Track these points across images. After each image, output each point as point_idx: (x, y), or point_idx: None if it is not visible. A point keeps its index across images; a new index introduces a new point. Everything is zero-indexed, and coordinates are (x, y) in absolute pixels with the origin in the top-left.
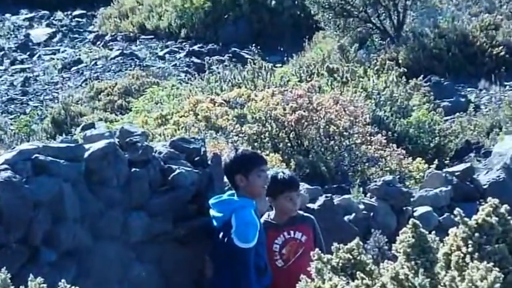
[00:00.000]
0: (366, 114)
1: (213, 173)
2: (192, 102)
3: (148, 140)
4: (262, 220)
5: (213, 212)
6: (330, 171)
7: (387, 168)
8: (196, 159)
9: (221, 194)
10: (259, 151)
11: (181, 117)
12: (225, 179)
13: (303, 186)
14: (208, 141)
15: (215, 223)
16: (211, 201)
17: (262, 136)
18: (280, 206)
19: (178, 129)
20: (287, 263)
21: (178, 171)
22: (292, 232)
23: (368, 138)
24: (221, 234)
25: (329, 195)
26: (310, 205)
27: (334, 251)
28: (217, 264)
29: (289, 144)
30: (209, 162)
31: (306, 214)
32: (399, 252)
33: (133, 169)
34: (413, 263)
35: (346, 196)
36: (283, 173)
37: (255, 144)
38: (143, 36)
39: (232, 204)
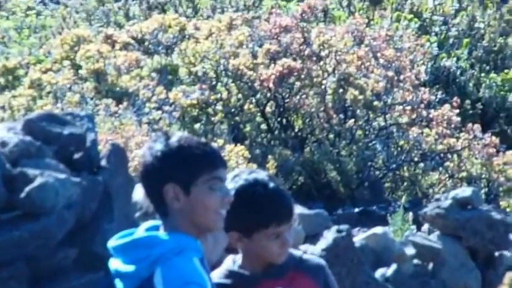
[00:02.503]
0: (420, 64)
1: (111, 185)
2: (67, 43)
3: None
4: (219, 272)
5: (115, 264)
6: (348, 180)
7: (463, 173)
8: (76, 156)
9: (130, 228)
10: (204, 140)
11: (45, 71)
12: (138, 195)
13: (295, 210)
14: (100, 120)
15: (120, 287)
16: (113, 242)
17: (210, 110)
18: (257, 250)
19: (41, 97)
20: None
21: (39, 180)
22: None
23: (424, 113)
24: None
25: (345, 226)
26: (305, 247)
27: None
28: None
29: (264, 127)
30: (103, 162)
31: (307, 255)
32: None
33: None
34: None
35: (378, 229)
36: (264, 182)
37: (197, 126)
38: None
39: (156, 247)
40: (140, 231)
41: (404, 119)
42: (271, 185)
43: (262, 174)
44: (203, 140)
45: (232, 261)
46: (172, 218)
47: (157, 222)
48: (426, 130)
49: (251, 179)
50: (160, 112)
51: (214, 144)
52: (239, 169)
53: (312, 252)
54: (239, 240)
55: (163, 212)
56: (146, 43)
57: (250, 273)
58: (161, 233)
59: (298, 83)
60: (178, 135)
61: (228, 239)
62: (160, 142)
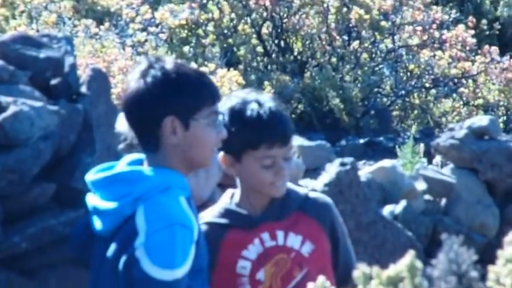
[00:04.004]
0: None
1: (92, 114)
2: None
3: None
4: (214, 210)
5: (93, 201)
6: (352, 107)
7: (479, 100)
8: (53, 82)
9: (110, 160)
10: (193, 65)
11: None
12: (121, 125)
13: (294, 140)
14: (80, 42)
15: (98, 225)
16: (91, 176)
17: (200, 31)
18: (249, 178)
19: (14, 17)
20: None
21: (12, 109)
22: (281, 234)
23: (436, 34)
24: (112, 249)
25: (349, 159)
26: (306, 182)
27: (358, 282)
28: None
29: (260, 50)
30: (82, 88)
31: (313, 194)
32: (503, 286)
33: None
34: None
35: (385, 162)
36: (258, 100)
37: (186, 48)
38: None
39: (140, 183)
40: (122, 165)
41: (415, 41)
42: (268, 104)
43: (263, 95)
44: (196, 68)
45: (230, 198)
46: (163, 152)
47: (141, 155)
48: (438, 53)
49: (245, 97)
50: (145, 34)
51: (205, 69)
52: (239, 90)
53: (313, 188)
54: (232, 166)
55: (153, 146)
56: None
57: (249, 213)
58: (146, 168)
59: (297, 1)
60: (171, 61)
61: (221, 165)
62: (157, 69)
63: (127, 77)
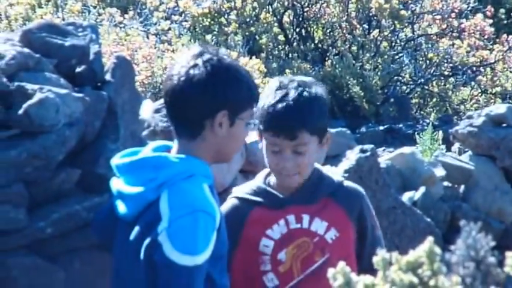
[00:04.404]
0: None
1: (117, 101)
2: None
3: None
4: (247, 187)
5: (118, 184)
6: (372, 95)
7: (497, 88)
8: (79, 69)
9: (135, 146)
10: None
11: None
12: (145, 112)
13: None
14: (104, 31)
15: (122, 209)
16: (117, 160)
17: (223, 19)
18: (265, 158)
19: (40, 6)
20: (285, 284)
21: (38, 96)
22: (306, 218)
23: (455, 22)
24: (134, 233)
25: (369, 146)
26: (326, 168)
27: (378, 267)
28: None
29: (281, 38)
30: (107, 76)
31: (348, 183)
32: None
33: None
34: None
35: (405, 149)
36: (286, 93)
37: (208, 37)
38: None
39: (165, 169)
40: (148, 151)
41: (434, 30)
42: (294, 97)
43: (303, 88)
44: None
45: (264, 177)
46: (199, 143)
47: (166, 142)
48: (457, 41)
49: (285, 83)
50: (168, 22)
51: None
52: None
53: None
54: (260, 141)
55: (193, 134)
56: None
57: (279, 193)
58: (172, 155)
59: None
60: (225, 52)
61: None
62: (216, 60)
63: (177, 61)
